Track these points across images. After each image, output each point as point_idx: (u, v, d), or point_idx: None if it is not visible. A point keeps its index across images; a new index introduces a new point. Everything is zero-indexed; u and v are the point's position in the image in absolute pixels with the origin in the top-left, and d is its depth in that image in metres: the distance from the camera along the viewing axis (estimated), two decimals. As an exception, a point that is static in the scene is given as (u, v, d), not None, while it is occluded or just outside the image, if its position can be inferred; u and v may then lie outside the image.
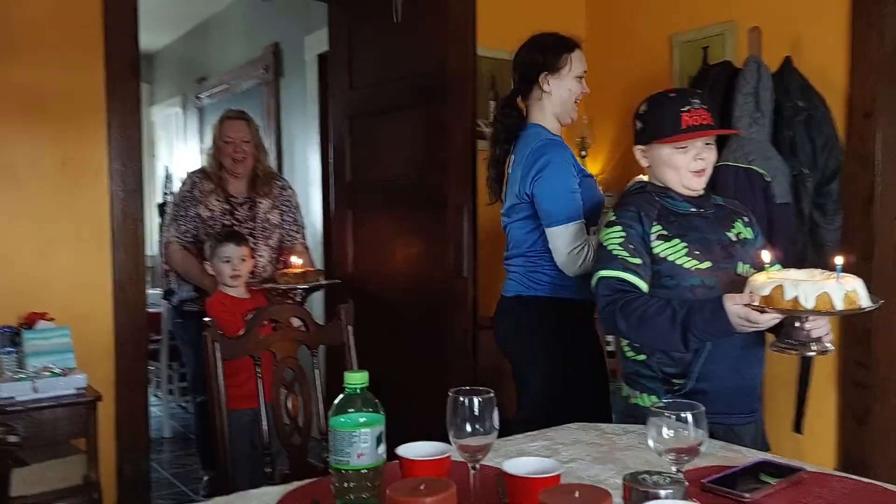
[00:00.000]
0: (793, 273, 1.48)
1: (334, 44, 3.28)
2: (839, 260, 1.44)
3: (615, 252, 1.65)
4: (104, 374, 2.52)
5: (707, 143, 1.71)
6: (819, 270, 1.48)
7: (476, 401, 1.02)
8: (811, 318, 1.43)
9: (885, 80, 2.49)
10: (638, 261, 1.64)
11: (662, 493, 0.83)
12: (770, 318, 1.44)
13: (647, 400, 1.64)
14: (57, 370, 2.09)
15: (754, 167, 2.57)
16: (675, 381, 1.61)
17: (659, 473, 0.88)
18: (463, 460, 1.03)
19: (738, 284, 1.54)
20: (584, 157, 3.44)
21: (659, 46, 3.07)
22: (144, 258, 2.71)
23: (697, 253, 1.65)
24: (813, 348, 1.48)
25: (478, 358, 2.70)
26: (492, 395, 1.03)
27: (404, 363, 2.80)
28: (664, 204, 1.72)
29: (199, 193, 2.92)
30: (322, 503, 1.03)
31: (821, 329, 1.48)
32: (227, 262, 2.59)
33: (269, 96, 4.65)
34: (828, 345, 1.50)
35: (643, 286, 1.62)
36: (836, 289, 1.37)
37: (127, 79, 2.60)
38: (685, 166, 1.69)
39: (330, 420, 0.97)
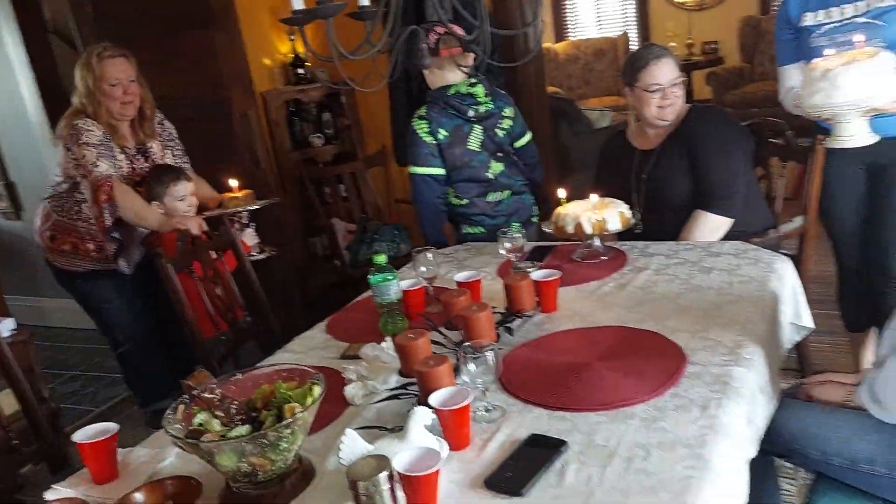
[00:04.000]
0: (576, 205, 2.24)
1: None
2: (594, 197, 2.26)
3: None
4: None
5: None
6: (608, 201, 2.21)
7: (429, 254, 2.02)
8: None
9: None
10: None
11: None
12: None
13: (473, 229, 2.74)
14: (-10, 320, 2.49)
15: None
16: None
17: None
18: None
19: None
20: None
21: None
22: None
23: None
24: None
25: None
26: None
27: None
28: None
29: (111, 145, 2.72)
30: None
31: None
32: (183, 199, 2.70)
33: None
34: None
35: None
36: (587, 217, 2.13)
37: None
38: None
39: (370, 280, 1.88)
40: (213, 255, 2.56)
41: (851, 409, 1.55)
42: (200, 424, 1.34)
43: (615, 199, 2.26)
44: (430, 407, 1.35)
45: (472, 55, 2.48)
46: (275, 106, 4.16)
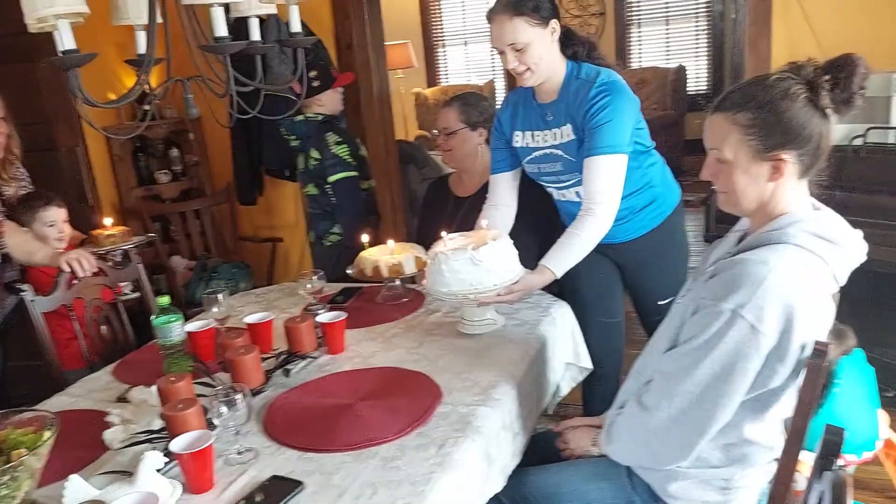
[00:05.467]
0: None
1: None
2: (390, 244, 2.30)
3: None
4: None
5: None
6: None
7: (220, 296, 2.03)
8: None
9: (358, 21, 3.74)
10: None
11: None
12: None
13: None
14: None
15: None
16: None
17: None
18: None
19: None
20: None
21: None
22: None
23: None
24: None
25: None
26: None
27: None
28: None
29: None
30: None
31: None
32: (52, 225, 2.55)
33: None
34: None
35: None
36: (385, 260, 2.18)
37: None
38: None
39: (154, 322, 1.87)
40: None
41: (593, 457, 1.64)
42: (-78, 474, 1.29)
43: (414, 244, 2.35)
44: (167, 452, 1.36)
45: (311, 100, 2.98)
46: (118, 142, 4.08)
